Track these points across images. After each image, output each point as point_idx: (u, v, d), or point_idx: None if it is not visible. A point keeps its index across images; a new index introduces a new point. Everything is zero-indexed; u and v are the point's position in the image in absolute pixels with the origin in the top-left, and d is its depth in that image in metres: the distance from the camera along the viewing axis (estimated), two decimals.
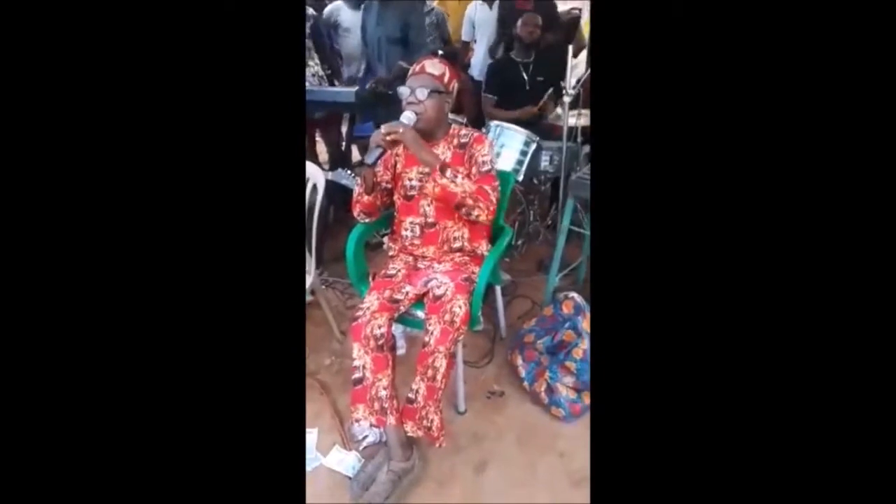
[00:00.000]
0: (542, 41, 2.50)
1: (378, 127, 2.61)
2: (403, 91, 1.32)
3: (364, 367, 1.26)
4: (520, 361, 1.59)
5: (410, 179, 1.40)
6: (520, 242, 2.41)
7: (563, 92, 1.93)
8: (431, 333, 1.24)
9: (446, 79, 1.33)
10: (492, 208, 1.30)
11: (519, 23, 2.46)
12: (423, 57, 1.41)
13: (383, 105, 2.33)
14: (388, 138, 1.26)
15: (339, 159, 2.86)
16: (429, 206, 1.39)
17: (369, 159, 1.30)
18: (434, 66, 1.32)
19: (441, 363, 1.23)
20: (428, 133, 1.34)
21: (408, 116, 1.29)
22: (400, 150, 1.42)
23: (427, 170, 1.34)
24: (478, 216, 1.30)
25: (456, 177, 1.27)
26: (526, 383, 1.55)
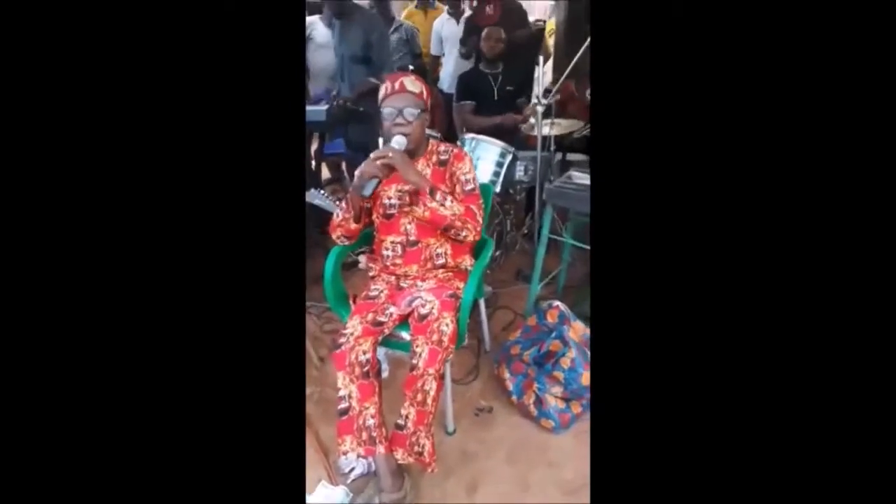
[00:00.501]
0: (516, 40, 2.53)
1: (349, 144, 2.57)
2: (390, 112, 1.28)
3: (350, 396, 1.21)
4: (507, 375, 1.56)
5: (390, 198, 1.37)
6: (498, 253, 2.41)
7: (537, 102, 1.95)
8: (419, 356, 1.20)
9: (425, 95, 1.32)
10: (479, 228, 1.31)
11: (482, 35, 2.48)
12: (397, 74, 1.39)
13: (353, 122, 2.30)
14: (379, 163, 1.22)
15: (309, 179, 2.80)
16: (410, 224, 1.36)
17: (366, 192, 1.25)
18: (413, 84, 1.30)
19: (431, 386, 1.19)
20: (410, 152, 1.32)
21: (398, 141, 1.26)
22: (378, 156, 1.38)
23: (407, 187, 1.32)
24: (465, 237, 1.30)
25: (445, 200, 1.26)
26: (514, 397, 1.53)
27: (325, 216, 2.21)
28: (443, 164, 1.37)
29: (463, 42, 2.91)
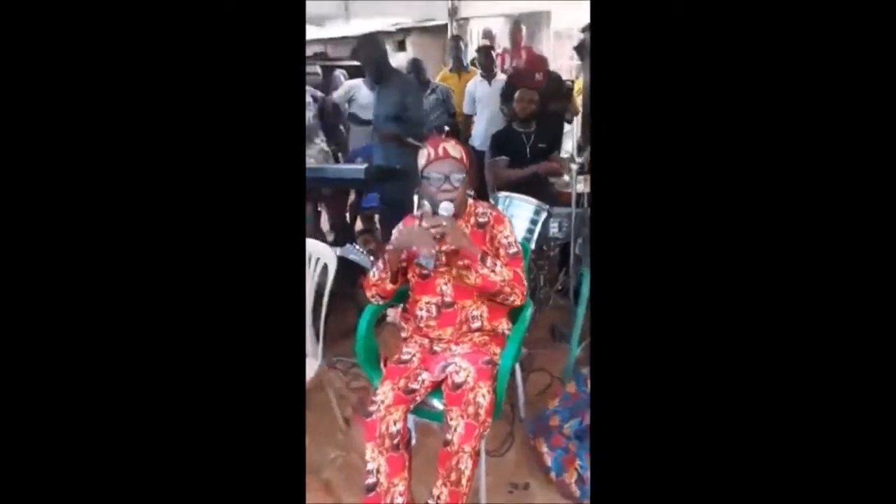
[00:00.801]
0: (549, 109, 2.58)
1: (384, 199, 2.62)
2: (437, 178, 1.28)
3: (378, 470, 1.14)
4: (545, 448, 1.45)
5: (427, 258, 1.35)
6: (532, 310, 2.33)
7: (570, 158, 1.95)
8: (454, 430, 1.12)
9: (466, 160, 1.33)
10: (525, 292, 1.28)
11: (515, 97, 2.55)
12: (437, 139, 1.42)
13: (390, 180, 2.36)
14: (434, 232, 1.22)
15: (344, 233, 2.86)
16: (446, 285, 1.33)
17: (429, 265, 1.25)
18: (456, 150, 1.31)
19: (466, 465, 1.10)
20: (455, 216, 1.31)
21: (446, 207, 1.26)
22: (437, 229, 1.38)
23: (444, 248, 1.30)
24: (513, 301, 1.28)
25: (495, 266, 1.25)
26: (553, 473, 1.40)
27: (359, 270, 2.23)
28: (481, 226, 1.35)
29: (504, 98, 2.99)
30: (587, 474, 1.33)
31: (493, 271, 1.24)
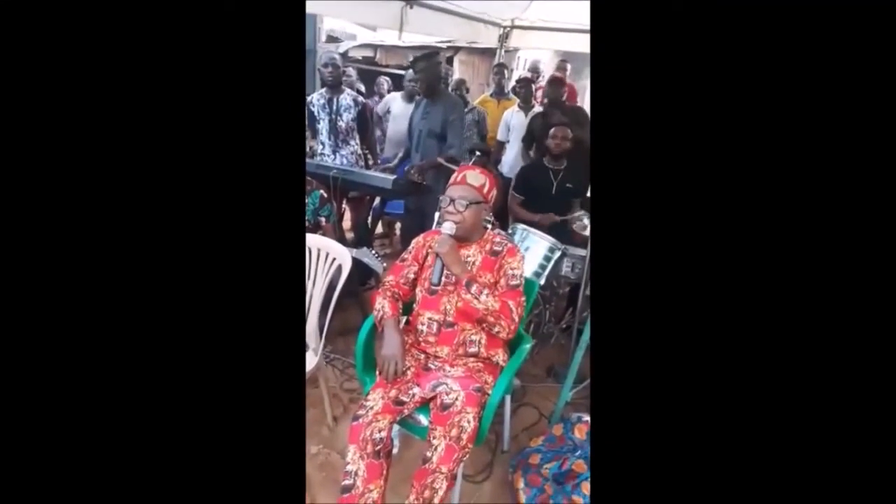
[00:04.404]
0: (578, 143, 2.61)
1: (408, 208, 2.68)
2: (445, 199, 1.36)
3: (356, 473, 1.16)
4: (521, 484, 1.45)
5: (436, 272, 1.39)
6: (532, 344, 2.34)
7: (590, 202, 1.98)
8: (435, 449, 1.15)
9: (486, 189, 1.37)
10: (513, 327, 1.30)
11: (550, 132, 2.59)
12: (466, 166, 1.47)
13: (416, 192, 2.41)
14: (431, 247, 1.30)
15: (363, 236, 2.92)
16: (450, 304, 1.37)
17: (434, 279, 1.34)
18: (475, 178, 1.37)
19: (441, 485, 1.12)
20: (462, 238, 1.36)
21: (449, 227, 1.33)
22: (433, 244, 1.44)
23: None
24: (497, 332, 1.31)
25: (481, 293, 1.28)
26: None
27: (367, 272, 2.28)
28: (495, 254, 1.39)
29: (532, 131, 3.03)
30: None
31: (476, 298, 1.28)
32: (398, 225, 3.47)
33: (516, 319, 1.30)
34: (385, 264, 2.08)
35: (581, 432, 1.45)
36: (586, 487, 1.33)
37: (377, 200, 3.07)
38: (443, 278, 1.33)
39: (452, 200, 1.34)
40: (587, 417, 1.48)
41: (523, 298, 1.33)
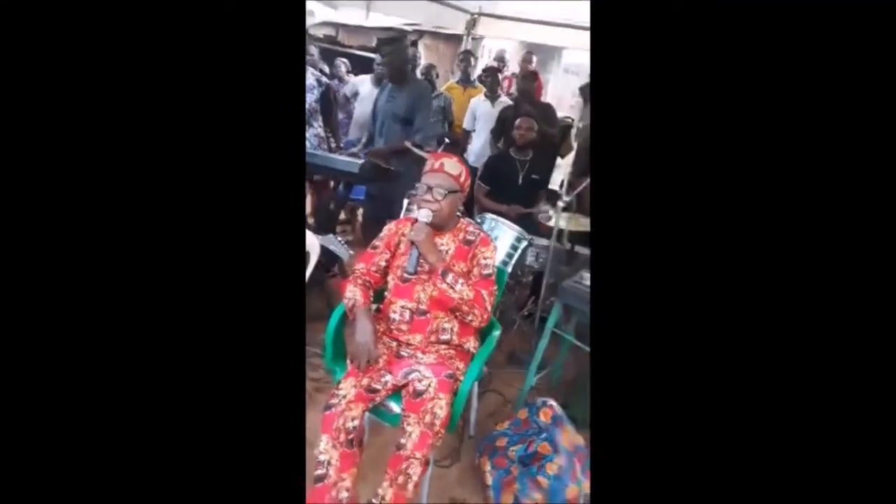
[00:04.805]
0: (544, 136, 2.66)
1: (370, 194, 2.62)
2: (422, 187, 1.35)
3: (329, 463, 1.15)
4: (488, 467, 1.50)
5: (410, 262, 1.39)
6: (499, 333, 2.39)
7: (560, 198, 2.03)
8: (409, 436, 1.16)
9: (462, 178, 1.37)
10: (485, 316, 1.32)
11: (516, 123, 2.62)
12: (442, 153, 1.46)
13: (381, 178, 2.38)
14: (407, 235, 1.28)
15: (326, 221, 2.85)
16: (423, 293, 1.37)
17: (409, 267, 1.33)
18: (453, 167, 1.36)
19: (415, 470, 1.14)
20: (437, 227, 1.36)
21: (425, 214, 1.32)
22: (405, 231, 1.42)
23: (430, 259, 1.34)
24: (471, 321, 1.32)
25: (456, 283, 1.28)
26: (492, 493, 1.45)
27: (332, 259, 2.23)
28: (468, 243, 1.40)
29: (501, 122, 3.05)
30: (523, 500, 1.38)
31: (451, 287, 1.28)
32: (360, 211, 3.41)
33: (489, 308, 1.32)
34: (352, 252, 2.04)
35: (546, 416, 1.51)
36: (551, 468, 1.39)
37: (341, 185, 3.00)
38: (418, 267, 1.32)
39: (430, 188, 1.33)
40: (552, 402, 1.54)
41: (495, 288, 1.36)
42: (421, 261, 1.35)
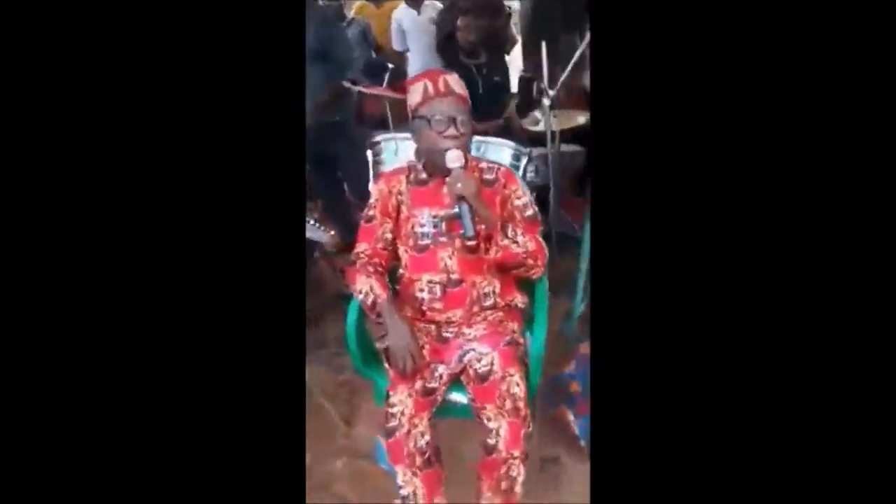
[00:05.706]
0: (495, 32, 2.30)
1: (318, 157, 2.24)
2: (439, 121, 1.02)
3: (415, 493, 0.96)
4: (571, 417, 1.36)
5: (422, 226, 1.10)
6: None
7: (544, 93, 1.73)
8: (496, 433, 0.96)
9: (468, 96, 1.07)
10: (546, 263, 1.08)
11: (458, 25, 2.24)
12: (433, 71, 1.12)
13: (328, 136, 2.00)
14: (449, 192, 0.98)
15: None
16: (450, 258, 1.09)
17: (468, 231, 0.96)
18: (458, 85, 1.05)
19: (519, 470, 0.96)
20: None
21: (456, 156, 1.00)
22: (403, 187, 1.12)
23: (443, 213, 1.06)
24: (533, 274, 1.07)
25: (517, 235, 1.02)
26: (583, 442, 1.32)
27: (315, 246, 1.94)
28: (490, 184, 1.12)
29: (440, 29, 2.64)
30: None
31: (514, 241, 1.03)
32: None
33: (547, 255, 1.09)
34: (332, 232, 1.73)
35: None
36: None
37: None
38: (475, 227, 0.98)
39: (454, 120, 1.01)
40: None
41: (542, 227, 1.11)
42: (435, 220, 1.07)
